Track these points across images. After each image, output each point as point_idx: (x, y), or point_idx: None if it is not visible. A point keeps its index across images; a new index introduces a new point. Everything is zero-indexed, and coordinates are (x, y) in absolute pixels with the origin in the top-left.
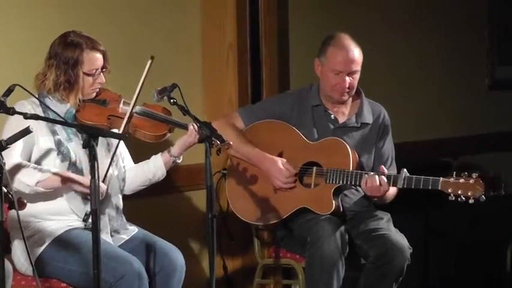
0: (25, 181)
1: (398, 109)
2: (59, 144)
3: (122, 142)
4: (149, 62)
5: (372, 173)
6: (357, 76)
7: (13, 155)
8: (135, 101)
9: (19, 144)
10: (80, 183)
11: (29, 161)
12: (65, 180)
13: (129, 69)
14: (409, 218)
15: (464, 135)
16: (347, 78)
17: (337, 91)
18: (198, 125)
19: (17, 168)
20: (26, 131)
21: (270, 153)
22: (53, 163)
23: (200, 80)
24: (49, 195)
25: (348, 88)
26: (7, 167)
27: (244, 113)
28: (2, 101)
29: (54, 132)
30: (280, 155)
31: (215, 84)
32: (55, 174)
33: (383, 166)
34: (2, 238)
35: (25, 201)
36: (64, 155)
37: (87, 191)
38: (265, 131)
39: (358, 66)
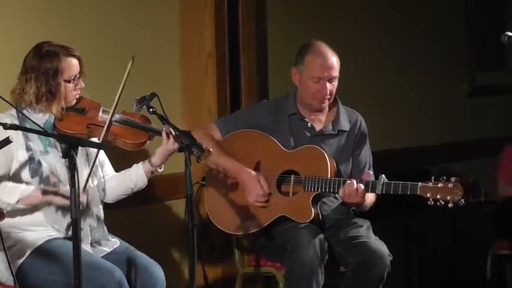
0: (6, 200)
1: (377, 117)
2: (30, 160)
3: (102, 151)
4: (130, 63)
5: (350, 180)
6: (336, 83)
7: None
8: (115, 109)
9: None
10: (61, 195)
11: (8, 174)
12: (46, 194)
13: (109, 76)
14: (389, 225)
15: (443, 142)
16: (327, 84)
17: (317, 99)
18: (177, 133)
19: None
20: (6, 141)
21: (248, 163)
22: (27, 178)
23: (179, 89)
24: (25, 209)
25: (329, 95)
26: None
27: (221, 124)
28: None
29: (28, 148)
30: (257, 164)
31: (194, 93)
32: (36, 190)
33: (370, 172)
34: None
35: (4, 211)
36: (33, 171)
37: (67, 204)
38: (242, 141)
39: (336, 72)
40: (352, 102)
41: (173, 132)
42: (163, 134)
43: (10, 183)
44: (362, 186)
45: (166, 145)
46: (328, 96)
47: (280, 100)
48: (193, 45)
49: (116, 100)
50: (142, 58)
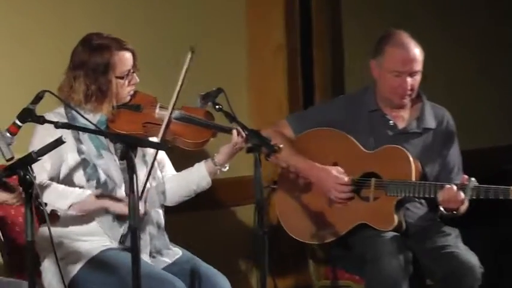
0: (57, 204)
1: (457, 115)
2: (84, 163)
3: (162, 152)
4: (189, 55)
5: (441, 184)
6: (419, 77)
7: (41, 173)
8: (174, 104)
9: (47, 162)
10: (119, 202)
11: (58, 178)
12: (101, 203)
13: (167, 71)
14: (479, 234)
15: None
16: (408, 79)
17: (398, 94)
18: (246, 133)
19: (47, 189)
20: (59, 141)
21: (323, 164)
22: (81, 182)
23: (246, 84)
24: (79, 217)
25: (410, 90)
26: (37, 181)
27: (294, 121)
28: (31, 109)
29: (79, 151)
30: (334, 166)
31: (263, 89)
32: (91, 195)
33: (465, 176)
34: (32, 260)
35: (59, 213)
36: (90, 175)
37: (126, 212)
38: (317, 140)
39: (419, 66)
40: (430, 100)
41: (242, 132)
42: (234, 132)
43: (62, 186)
44: (461, 192)
45: (234, 144)
46: (410, 92)
47: (358, 95)
48: (262, 37)
49: (175, 95)
50: (205, 50)
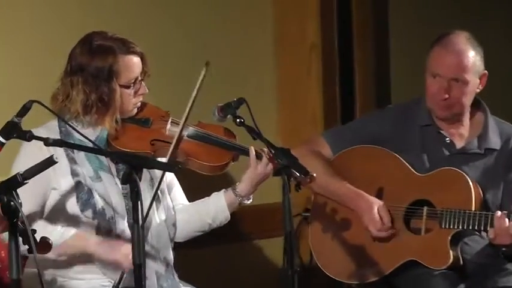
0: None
1: None
2: (78, 188)
3: (172, 175)
4: (204, 69)
5: (500, 213)
6: (464, 88)
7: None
8: (186, 120)
9: (27, 191)
10: (108, 252)
11: (42, 213)
12: (82, 247)
13: (182, 80)
14: None
15: None
16: (447, 84)
17: (435, 101)
18: (273, 152)
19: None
20: (50, 162)
21: (367, 189)
22: (75, 212)
23: (274, 92)
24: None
25: (446, 99)
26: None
27: (331, 137)
28: (16, 123)
29: (74, 173)
30: (379, 192)
31: (293, 97)
32: (74, 238)
33: None
34: None
35: (50, 241)
36: (84, 202)
37: (117, 260)
38: (359, 161)
39: (464, 74)
40: (494, 113)
41: (267, 151)
42: (252, 152)
43: (42, 223)
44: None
45: (257, 168)
46: (444, 99)
47: (409, 106)
48: (292, 35)
49: (188, 108)
50: (225, 54)
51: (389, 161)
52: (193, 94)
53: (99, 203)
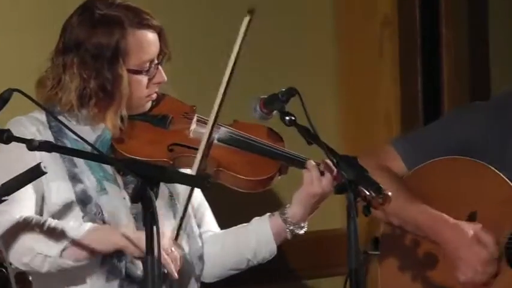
0: (43, 250)
1: None
2: (83, 197)
3: (197, 191)
4: (246, 19)
5: None
6: None
7: (13, 209)
8: (217, 117)
9: (25, 192)
10: (135, 245)
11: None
12: (114, 241)
13: (212, 67)
14: None
15: None
16: None
17: None
18: (335, 161)
19: (23, 228)
20: (36, 172)
21: (454, 214)
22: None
23: (333, 82)
24: (63, 278)
25: None
26: (2, 227)
27: (405, 146)
28: None
29: (74, 178)
30: (471, 217)
31: (360, 89)
32: (90, 232)
33: None
34: None
35: (30, 278)
36: (93, 216)
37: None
38: (443, 178)
39: None
40: None
41: (329, 163)
42: (310, 164)
43: (49, 221)
44: None
45: (313, 185)
46: None
47: (508, 102)
48: (359, 7)
49: (218, 100)
50: (267, 30)
51: (483, 176)
52: (228, 69)
53: (108, 219)
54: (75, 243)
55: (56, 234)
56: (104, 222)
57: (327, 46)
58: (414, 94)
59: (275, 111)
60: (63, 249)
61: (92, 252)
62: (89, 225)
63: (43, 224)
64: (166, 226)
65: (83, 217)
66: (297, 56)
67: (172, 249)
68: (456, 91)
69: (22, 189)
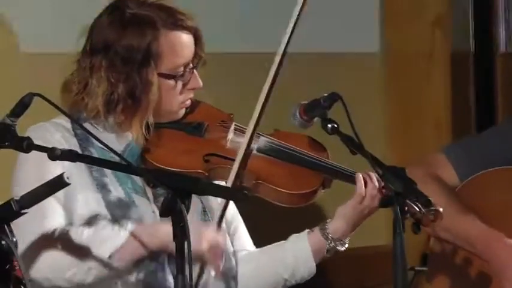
0: (96, 252)
1: None
2: (113, 207)
3: (231, 205)
4: (300, 2)
5: None
6: None
7: (52, 216)
8: (256, 126)
9: (49, 207)
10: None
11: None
12: (161, 239)
13: (253, 74)
14: None
15: None
16: None
17: None
18: (381, 173)
19: (58, 242)
20: (59, 183)
21: (509, 231)
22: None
23: (379, 87)
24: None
25: None
26: (30, 238)
27: (458, 154)
28: (8, 125)
29: (103, 187)
30: None
31: (408, 94)
32: (135, 232)
33: None
34: None
35: None
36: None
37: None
38: (498, 189)
39: None
40: None
41: (373, 177)
42: (360, 180)
43: (89, 232)
44: None
45: (359, 200)
46: None
47: None
48: (407, 5)
49: (259, 107)
50: (311, 32)
51: None
52: (271, 74)
53: None
54: (121, 247)
55: (97, 242)
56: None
57: (373, 47)
58: (466, 99)
59: (316, 118)
60: (110, 257)
61: (140, 252)
62: (129, 227)
63: (80, 234)
64: None
65: (110, 221)
66: (341, 60)
67: (218, 240)
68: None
69: (45, 204)
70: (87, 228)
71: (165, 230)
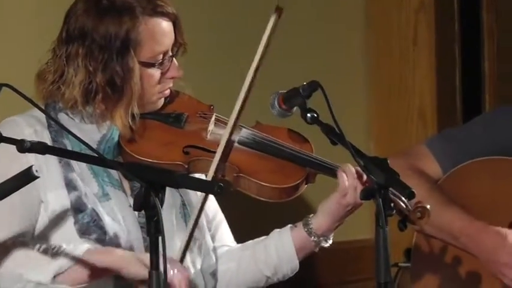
0: (34, 278)
1: None
2: (77, 205)
3: (212, 201)
4: (272, 18)
5: None
6: None
7: None
8: (238, 117)
9: (8, 206)
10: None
11: (32, 234)
12: (110, 262)
13: (232, 60)
14: None
15: None
16: None
17: None
18: (363, 164)
19: (7, 254)
20: (27, 176)
21: (494, 223)
22: (71, 240)
23: (362, 73)
24: None
25: None
26: None
27: (440, 146)
28: None
29: (70, 184)
30: None
31: (391, 81)
32: (88, 254)
33: None
34: None
35: None
36: (86, 226)
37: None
38: (483, 179)
39: None
40: None
41: (353, 170)
42: (343, 174)
43: (41, 245)
44: None
45: (348, 194)
46: None
47: None
48: None
49: (240, 99)
50: (292, 20)
51: None
52: (253, 67)
53: (111, 228)
54: (71, 267)
55: (47, 258)
56: (103, 231)
57: (355, 34)
58: (452, 88)
59: (295, 108)
60: (56, 275)
61: (90, 276)
62: (83, 247)
63: (32, 248)
64: (178, 237)
65: (74, 224)
66: (322, 47)
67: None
68: (499, 84)
69: (6, 209)
70: (39, 244)
71: (117, 255)
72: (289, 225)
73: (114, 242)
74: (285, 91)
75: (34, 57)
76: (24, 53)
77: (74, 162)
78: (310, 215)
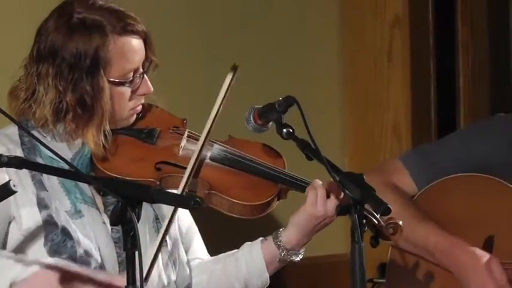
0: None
1: None
2: (46, 226)
3: (186, 214)
4: (230, 75)
5: None
6: None
7: None
8: (209, 133)
9: None
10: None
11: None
12: (71, 278)
13: (205, 74)
14: None
15: None
16: None
17: None
18: (338, 179)
19: None
20: (5, 191)
21: (471, 238)
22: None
23: (337, 88)
24: None
25: None
26: None
27: (416, 162)
28: None
29: (41, 203)
30: (488, 242)
31: (366, 96)
32: (36, 277)
33: None
34: None
35: None
36: (55, 247)
37: None
38: (459, 196)
39: None
40: None
41: (334, 184)
42: (317, 183)
43: (6, 253)
44: None
45: (317, 207)
46: None
47: None
48: (365, 6)
49: (212, 116)
50: (267, 31)
51: (504, 196)
52: (218, 102)
53: (80, 247)
54: (25, 277)
55: (6, 264)
56: (73, 252)
57: (331, 50)
58: (426, 103)
59: (271, 123)
60: (12, 284)
61: None
62: (31, 268)
63: None
64: (147, 251)
65: (44, 246)
66: (297, 62)
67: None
68: (474, 99)
69: None
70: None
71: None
72: (260, 238)
73: (85, 260)
74: (260, 106)
75: (7, 73)
76: None
77: (45, 181)
78: (281, 229)
